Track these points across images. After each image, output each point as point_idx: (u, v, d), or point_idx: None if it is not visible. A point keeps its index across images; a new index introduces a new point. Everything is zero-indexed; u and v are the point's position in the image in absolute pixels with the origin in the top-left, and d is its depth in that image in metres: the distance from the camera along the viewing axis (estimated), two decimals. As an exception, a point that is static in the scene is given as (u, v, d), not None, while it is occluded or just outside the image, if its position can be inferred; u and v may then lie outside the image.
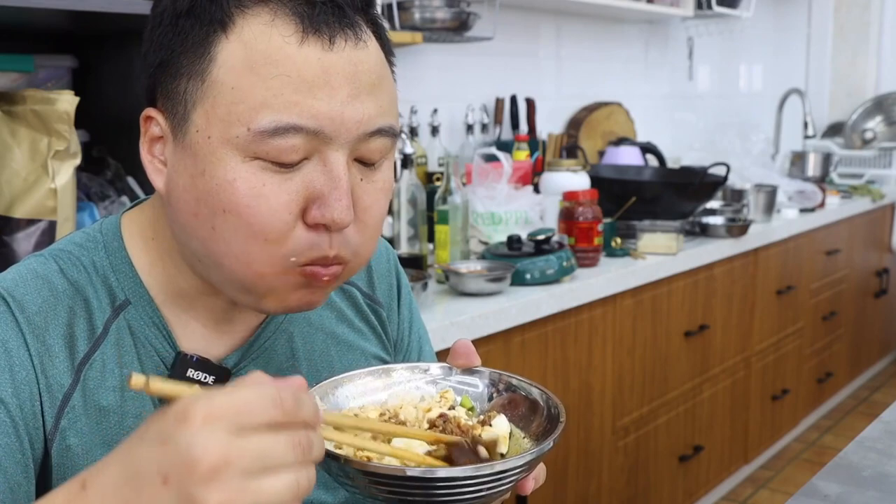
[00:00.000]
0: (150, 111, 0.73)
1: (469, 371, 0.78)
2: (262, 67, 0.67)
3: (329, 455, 0.62)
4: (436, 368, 0.78)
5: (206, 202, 0.69)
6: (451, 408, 0.75)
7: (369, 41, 0.72)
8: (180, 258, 0.78)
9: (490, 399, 0.77)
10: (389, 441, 0.69)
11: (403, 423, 0.73)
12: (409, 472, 0.61)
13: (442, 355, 0.99)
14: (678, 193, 2.57)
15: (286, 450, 0.52)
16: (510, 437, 0.72)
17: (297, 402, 0.54)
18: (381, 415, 0.74)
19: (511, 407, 0.75)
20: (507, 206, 2.23)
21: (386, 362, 0.93)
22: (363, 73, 0.70)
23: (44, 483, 0.73)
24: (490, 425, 0.72)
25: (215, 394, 0.52)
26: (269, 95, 0.67)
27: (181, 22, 0.70)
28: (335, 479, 0.65)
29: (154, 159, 0.74)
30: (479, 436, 0.70)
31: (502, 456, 0.70)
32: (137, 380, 0.55)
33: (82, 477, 0.55)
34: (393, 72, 0.76)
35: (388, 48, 0.76)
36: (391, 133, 0.73)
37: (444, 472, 0.61)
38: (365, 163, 0.73)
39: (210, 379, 0.79)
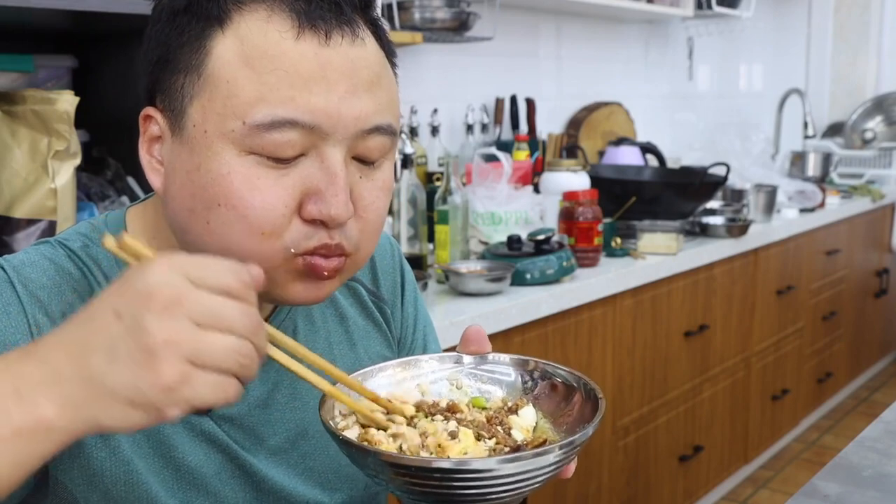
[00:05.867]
0: (148, 110, 0.73)
1: (503, 360, 0.77)
2: (257, 62, 0.67)
3: (359, 448, 0.62)
4: (467, 358, 0.77)
5: (200, 197, 0.69)
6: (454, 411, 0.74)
7: (367, 40, 0.72)
8: None
9: (524, 386, 0.76)
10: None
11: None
12: (442, 464, 0.59)
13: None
14: (678, 193, 2.57)
15: (237, 314, 0.55)
16: (535, 428, 0.71)
17: (251, 286, 0.57)
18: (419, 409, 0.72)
19: (547, 394, 0.74)
20: (507, 206, 2.22)
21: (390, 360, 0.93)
22: (361, 69, 0.70)
23: None
24: (517, 414, 0.72)
25: (180, 254, 0.56)
26: (265, 90, 0.67)
27: (178, 18, 0.70)
28: (366, 474, 0.64)
29: (152, 159, 0.74)
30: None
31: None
32: (110, 239, 0.58)
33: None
34: (395, 73, 0.76)
35: (388, 49, 0.75)
36: (390, 132, 0.73)
37: (497, 460, 0.59)
38: (364, 161, 0.73)
39: None
